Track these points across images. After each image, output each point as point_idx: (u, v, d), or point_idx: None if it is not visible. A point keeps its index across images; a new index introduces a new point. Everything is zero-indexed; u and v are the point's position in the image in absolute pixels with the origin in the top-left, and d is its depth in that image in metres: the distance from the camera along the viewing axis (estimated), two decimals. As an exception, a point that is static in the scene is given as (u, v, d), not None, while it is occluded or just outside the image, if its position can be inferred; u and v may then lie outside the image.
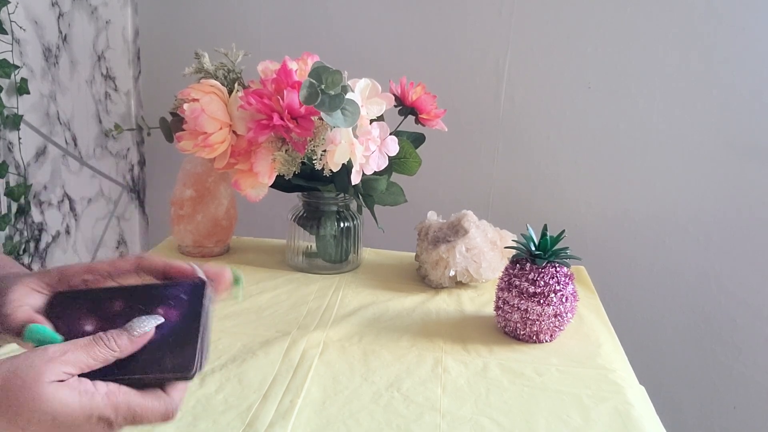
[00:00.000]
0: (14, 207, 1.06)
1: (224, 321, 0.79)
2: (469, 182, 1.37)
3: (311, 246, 0.99)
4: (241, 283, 0.60)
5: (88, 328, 0.44)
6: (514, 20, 1.28)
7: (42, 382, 0.38)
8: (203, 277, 0.46)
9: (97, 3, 1.26)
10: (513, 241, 0.83)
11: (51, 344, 0.40)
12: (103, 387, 0.40)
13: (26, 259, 1.10)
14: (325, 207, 0.97)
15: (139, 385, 0.42)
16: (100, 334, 0.41)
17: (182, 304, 0.44)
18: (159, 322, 0.43)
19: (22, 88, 1.04)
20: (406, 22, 1.31)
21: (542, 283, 0.74)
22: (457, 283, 0.94)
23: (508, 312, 0.77)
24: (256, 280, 0.93)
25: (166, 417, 0.42)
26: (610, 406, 0.64)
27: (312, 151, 0.82)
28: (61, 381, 0.39)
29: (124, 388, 0.41)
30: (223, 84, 0.89)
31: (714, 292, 1.33)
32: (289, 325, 0.79)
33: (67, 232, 1.22)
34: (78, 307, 0.45)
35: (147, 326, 0.42)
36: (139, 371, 0.42)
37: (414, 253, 1.01)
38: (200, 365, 0.44)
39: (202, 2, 1.37)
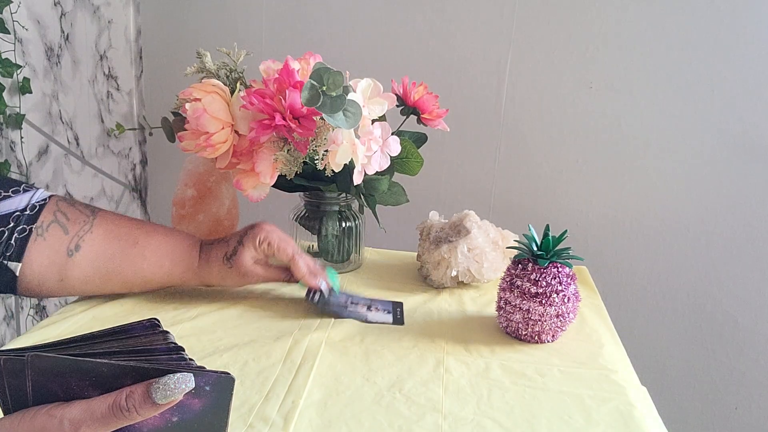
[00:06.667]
0: (16, 206, 1.06)
1: (225, 322, 0.79)
2: (470, 182, 1.37)
3: (313, 246, 0.99)
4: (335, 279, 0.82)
5: (95, 394, 0.39)
6: (515, 20, 1.27)
7: None
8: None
9: (100, 2, 1.26)
10: (515, 241, 0.83)
11: (65, 409, 0.37)
12: None
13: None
14: (326, 207, 0.97)
15: None
16: (120, 401, 0.37)
17: (205, 396, 0.40)
18: (189, 389, 0.38)
19: (24, 88, 1.04)
20: (409, 21, 1.31)
21: (544, 283, 0.74)
22: (459, 283, 0.94)
23: (510, 312, 0.77)
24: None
25: None
26: (612, 407, 0.64)
27: (314, 151, 0.82)
28: None
29: None
30: (225, 84, 0.89)
31: (715, 292, 1.33)
32: (290, 325, 0.79)
33: (69, 231, 1.22)
34: (80, 377, 0.39)
35: (174, 395, 0.38)
36: None
37: (416, 253, 1.01)
38: None
39: (204, 2, 1.37)
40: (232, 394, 0.41)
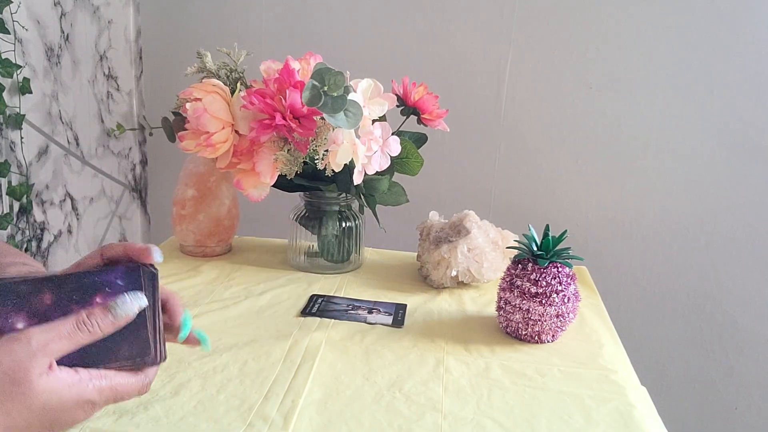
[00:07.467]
0: (16, 206, 1.06)
1: (226, 321, 0.79)
2: (470, 182, 1.37)
3: (313, 246, 0.99)
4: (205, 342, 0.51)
5: (20, 325, 0.41)
6: (515, 20, 1.27)
7: (30, 378, 0.39)
8: (158, 257, 0.45)
9: (99, 3, 1.26)
10: (515, 241, 0.83)
11: (29, 331, 0.40)
12: (85, 373, 0.42)
13: (28, 259, 1.10)
14: (326, 207, 0.97)
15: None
16: (84, 318, 0.41)
17: (120, 290, 0.43)
18: (143, 305, 0.43)
19: (24, 88, 1.04)
20: (409, 22, 1.31)
21: (544, 283, 0.74)
22: (459, 283, 0.94)
23: (510, 312, 0.77)
24: (257, 280, 0.93)
25: (141, 391, 0.44)
26: (612, 407, 0.64)
27: (314, 150, 0.82)
28: (48, 369, 0.40)
29: (104, 371, 0.42)
30: (225, 84, 0.89)
31: (715, 293, 1.33)
32: (290, 324, 0.79)
33: (69, 231, 1.22)
34: (2, 300, 0.41)
35: (131, 310, 0.42)
36: (99, 362, 0.42)
37: (416, 253, 1.01)
38: (162, 352, 0.44)
39: (204, 2, 1.37)
40: (142, 280, 0.44)
